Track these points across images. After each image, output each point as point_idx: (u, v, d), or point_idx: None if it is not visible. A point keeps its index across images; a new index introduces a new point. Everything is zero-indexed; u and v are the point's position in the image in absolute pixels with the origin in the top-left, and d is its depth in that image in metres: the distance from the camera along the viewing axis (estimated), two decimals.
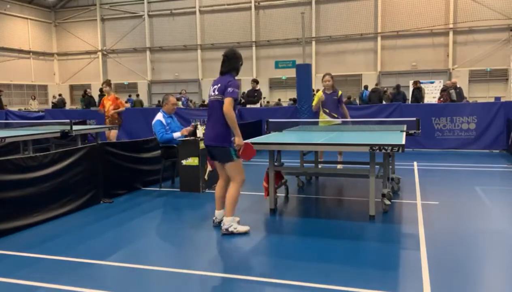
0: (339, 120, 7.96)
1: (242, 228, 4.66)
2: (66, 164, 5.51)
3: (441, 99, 14.98)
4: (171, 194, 6.72)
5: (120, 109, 9.78)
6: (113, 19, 31.32)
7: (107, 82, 9.85)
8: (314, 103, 8.27)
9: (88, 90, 19.07)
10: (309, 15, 26.18)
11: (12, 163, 4.83)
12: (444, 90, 15.11)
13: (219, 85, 4.61)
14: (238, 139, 4.49)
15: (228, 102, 4.41)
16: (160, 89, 29.68)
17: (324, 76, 8.10)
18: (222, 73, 4.74)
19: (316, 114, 8.40)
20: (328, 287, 3.29)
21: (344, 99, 9.75)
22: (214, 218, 4.97)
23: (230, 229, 4.59)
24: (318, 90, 22.02)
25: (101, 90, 16.96)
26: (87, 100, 17.49)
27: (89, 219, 5.35)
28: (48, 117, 14.12)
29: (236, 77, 4.81)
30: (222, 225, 4.65)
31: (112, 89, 9.88)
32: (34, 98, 26.00)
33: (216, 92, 4.58)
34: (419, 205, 5.66)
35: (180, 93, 20.53)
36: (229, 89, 4.46)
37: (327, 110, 8.01)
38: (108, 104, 9.69)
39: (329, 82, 7.93)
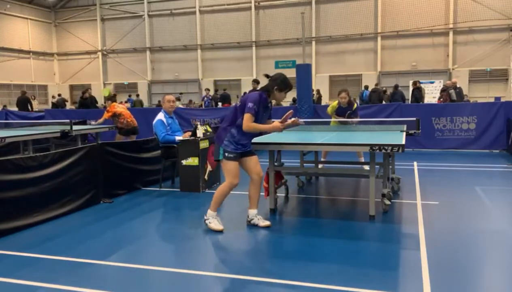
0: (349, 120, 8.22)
1: (216, 226, 4.75)
2: (66, 164, 5.51)
3: (441, 99, 14.98)
4: (171, 194, 6.72)
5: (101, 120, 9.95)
6: (113, 19, 31.31)
7: (110, 98, 10.27)
8: (328, 111, 8.59)
9: (89, 90, 18.96)
10: (309, 15, 26.18)
11: (12, 163, 4.82)
12: (444, 90, 15.11)
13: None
14: (277, 128, 4.61)
15: (247, 118, 4.54)
16: (160, 89, 29.69)
17: (340, 92, 8.24)
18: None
19: (316, 114, 8.61)
20: (328, 287, 3.29)
21: None
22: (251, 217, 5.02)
23: (206, 222, 4.80)
24: (318, 90, 22.00)
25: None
26: (81, 102, 16.92)
27: (89, 219, 5.35)
28: (48, 117, 14.12)
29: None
30: (205, 217, 4.83)
31: (107, 103, 10.15)
32: (34, 98, 25.98)
33: (238, 102, 4.79)
34: (419, 205, 5.66)
35: (181, 93, 20.68)
36: (249, 104, 4.55)
37: (340, 118, 8.34)
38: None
39: (345, 99, 8.12)
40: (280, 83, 4.67)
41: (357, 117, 8.37)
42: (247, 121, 4.52)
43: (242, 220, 5.04)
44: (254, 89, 14.13)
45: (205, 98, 20.85)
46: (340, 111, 8.27)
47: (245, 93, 15.43)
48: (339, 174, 6.76)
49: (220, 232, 4.70)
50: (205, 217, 4.81)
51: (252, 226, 4.91)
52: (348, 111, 8.18)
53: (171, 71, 30.15)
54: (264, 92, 4.68)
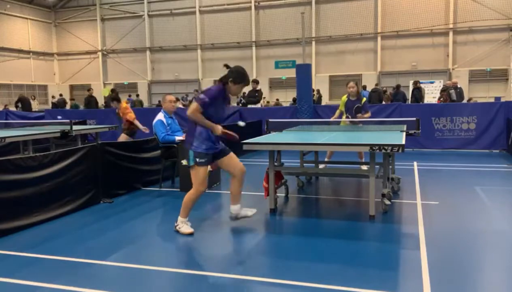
0: (357, 120, 8.09)
1: (186, 230, 4.68)
2: (66, 164, 5.51)
3: (441, 99, 14.98)
4: (171, 194, 6.72)
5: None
6: (113, 19, 31.32)
7: (115, 98, 9.54)
8: (340, 107, 8.48)
9: (91, 89, 19.03)
10: (309, 15, 26.19)
11: (12, 163, 4.82)
12: (444, 90, 15.10)
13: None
14: (216, 130, 4.54)
15: (193, 106, 4.48)
16: (160, 89, 29.69)
17: (348, 82, 8.24)
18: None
19: (316, 115, 8.55)
20: (328, 287, 3.29)
21: None
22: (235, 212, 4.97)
23: (176, 228, 4.73)
24: (318, 90, 21.98)
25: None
26: (88, 100, 17.36)
27: (89, 219, 5.35)
28: (48, 117, 14.12)
29: None
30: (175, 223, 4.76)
31: (118, 103, 9.41)
32: (34, 99, 25.96)
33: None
34: (419, 205, 5.66)
35: (186, 95, 20.64)
36: (201, 95, 4.51)
37: (349, 116, 8.21)
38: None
39: (354, 89, 8.08)
40: (235, 76, 4.55)
41: (368, 113, 8.16)
42: (193, 110, 4.44)
43: (242, 220, 5.04)
44: (253, 90, 14.13)
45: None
46: (349, 104, 8.18)
47: (244, 93, 15.45)
48: (339, 174, 6.76)
49: (191, 234, 4.62)
50: (175, 224, 4.74)
51: (251, 225, 4.91)
52: (357, 105, 8.07)
53: (171, 71, 30.16)
54: (222, 84, 4.59)
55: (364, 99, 8.21)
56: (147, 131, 8.71)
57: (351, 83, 8.12)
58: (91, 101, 17.29)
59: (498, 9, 23.07)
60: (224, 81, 4.58)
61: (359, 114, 8.08)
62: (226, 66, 4.73)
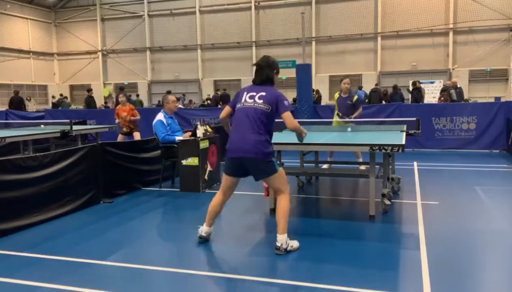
0: (349, 120, 8.09)
1: (295, 244, 4.16)
2: (66, 164, 5.51)
3: (442, 99, 14.96)
4: (171, 194, 6.72)
5: (137, 118, 10.10)
6: (113, 19, 31.30)
7: (124, 94, 10.51)
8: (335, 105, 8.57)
9: (91, 90, 19.07)
10: (309, 15, 26.17)
11: (12, 163, 4.83)
12: (444, 90, 15.09)
13: (263, 93, 4.10)
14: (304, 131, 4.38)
15: (290, 117, 4.10)
16: (160, 89, 29.64)
17: (343, 78, 8.30)
18: (256, 82, 4.24)
19: (316, 115, 8.56)
20: (328, 287, 3.29)
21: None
22: (200, 232, 4.40)
23: (288, 248, 4.06)
24: (317, 90, 21.99)
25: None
26: (88, 99, 17.55)
27: (89, 219, 5.35)
28: (48, 117, 14.11)
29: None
30: (278, 245, 4.04)
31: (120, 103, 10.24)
32: (30, 99, 25.76)
33: (260, 101, 4.07)
34: (419, 205, 5.66)
35: (183, 94, 20.64)
36: (285, 102, 4.10)
37: (340, 114, 8.27)
38: (124, 115, 9.95)
39: (347, 85, 8.15)
40: (276, 65, 4.28)
41: (358, 111, 8.14)
42: (292, 119, 4.14)
43: (242, 220, 5.03)
44: None
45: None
46: (339, 101, 8.26)
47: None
48: (339, 174, 6.75)
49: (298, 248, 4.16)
50: (283, 245, 4.02)
51: (252, 225, 4.91)
52: (348, 102, 8.12)
53: (171, 71, 30.14)
54: (272, 84, 4.25)
55: (356, 97, 8.22)
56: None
57: (346, 80, 8.20)
58: (91, 101, 17.43)
59: (498, 9, 23.05)
60: (270, 81, 4.21)
61: (351, 114, 8.11)
62: (256, 64, 4.29)
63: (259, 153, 3.98)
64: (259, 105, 4.06)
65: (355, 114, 8.08)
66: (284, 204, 4.08)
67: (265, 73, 4.20)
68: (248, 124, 4.04)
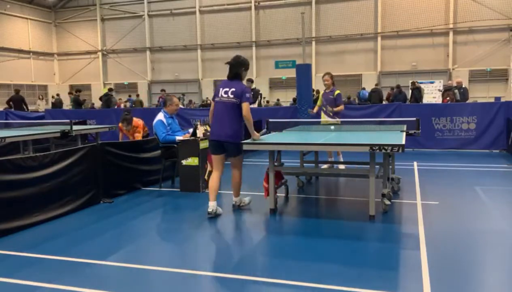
0: (334, 120, 8.19)
1: (247, 199, 5.65)
2: (66, 164, 5.51)
3: (447, 98, 14.83)
4: (171, 194, 6.72)
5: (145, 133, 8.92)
6: (113, 19, 31.32)
7: (127, 120, 8.63)
8: (318, 103, 8.72)
9: (81, 91, 18.93)
10: (309, 15, 26.19)
11: (12, 163, 4.82)
12: (449, 90, 14.99)
13: (233, 89, 5.16)
14: (256, 135, 5.31)
15: (247, 107, 5.10)
16: (160, 89, 29.68)
17: (324, 75, 8.52)
18: (229, 78, 5.29)
19: (316, 114, 8.62)
20: (328, 287, 3.29)
21: (344, 99, 9.91)
22: (210, 210, 5.22)
23: (241, 204, 5.56)
24: (318, 91, 22.09)
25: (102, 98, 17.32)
26: (75, 99, 17.28)
27: (89, 219, 5.35)
28: (48, 117, 14.11)
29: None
30: (235, 203, 5.56)
31: (130, 124, 8.63)
32: (42, 99, 25.79)
33: (232, 95, 5.14)
34: (419, 205, 5.66)
35: (183, 94, 20.73)
36: (247, 95, 5.13)
37: (324, 109, 8.46)
38: (137, 135, 8.67)
39: (327, 81, 8.39)
40: (245, 63, 5.32)
41: (339, 107, 8.21)
42: (249, 110, 5.13)
43: (242, 220, 5.03)
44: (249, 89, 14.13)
45: (160, 99, 20.94)
46: (324, 96, 8.47)
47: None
48: (339, 174, 6.75)
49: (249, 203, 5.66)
50: (237, 203, 5.53)
51: (252, 225, 4.91)
52: (330, 96, 8.29)
53: (171, 71, 30.16)
54: (240, 80, 5.30)
55: (338, 92, 8.30)
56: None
57: (326, 77, 8.41)
58: (78, 101, 17.26)
59: (498, 9, 23.06)
60: (239, 76, 5.26)
61: (330, 108, 8.24)
62: (228, 63, 5.26)
63: (232, 137, 5.17)
64: (231, 99, 5.16)
65: (336, 109, 8.24)
66: (238, 176, 5.42)
67: (235, 70, 5.24)
68: (225, 115, 5.18)
